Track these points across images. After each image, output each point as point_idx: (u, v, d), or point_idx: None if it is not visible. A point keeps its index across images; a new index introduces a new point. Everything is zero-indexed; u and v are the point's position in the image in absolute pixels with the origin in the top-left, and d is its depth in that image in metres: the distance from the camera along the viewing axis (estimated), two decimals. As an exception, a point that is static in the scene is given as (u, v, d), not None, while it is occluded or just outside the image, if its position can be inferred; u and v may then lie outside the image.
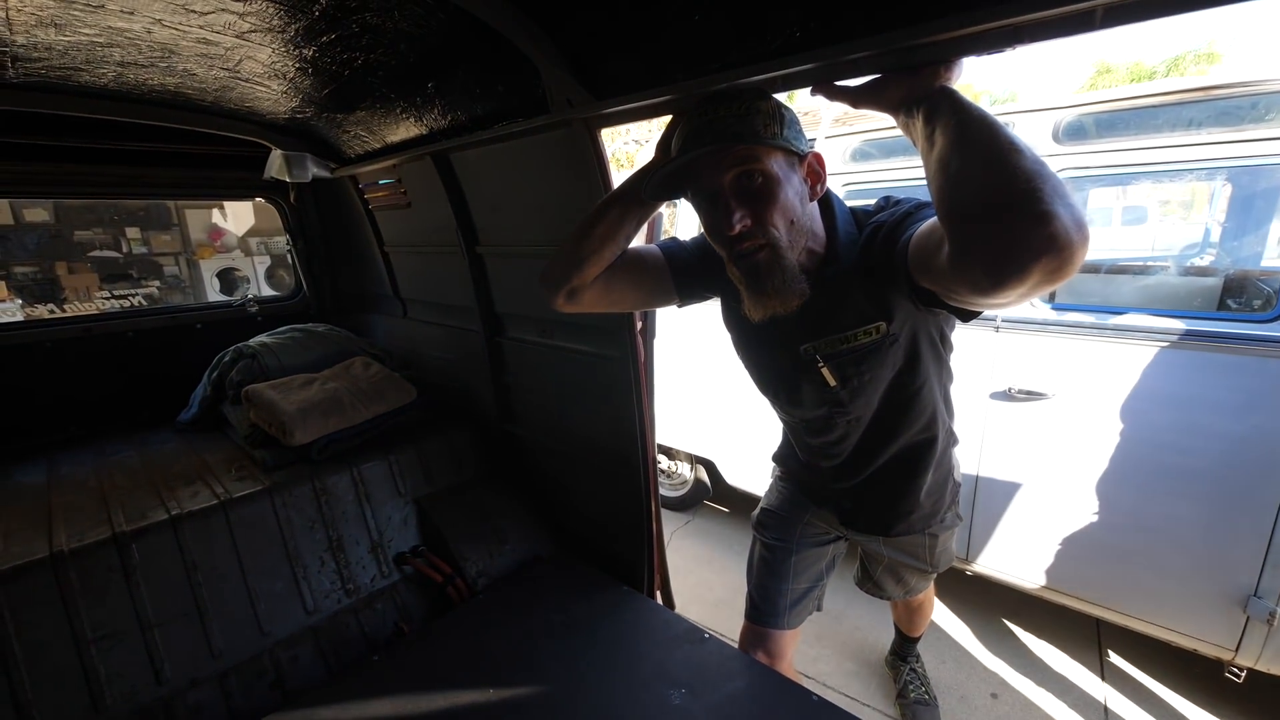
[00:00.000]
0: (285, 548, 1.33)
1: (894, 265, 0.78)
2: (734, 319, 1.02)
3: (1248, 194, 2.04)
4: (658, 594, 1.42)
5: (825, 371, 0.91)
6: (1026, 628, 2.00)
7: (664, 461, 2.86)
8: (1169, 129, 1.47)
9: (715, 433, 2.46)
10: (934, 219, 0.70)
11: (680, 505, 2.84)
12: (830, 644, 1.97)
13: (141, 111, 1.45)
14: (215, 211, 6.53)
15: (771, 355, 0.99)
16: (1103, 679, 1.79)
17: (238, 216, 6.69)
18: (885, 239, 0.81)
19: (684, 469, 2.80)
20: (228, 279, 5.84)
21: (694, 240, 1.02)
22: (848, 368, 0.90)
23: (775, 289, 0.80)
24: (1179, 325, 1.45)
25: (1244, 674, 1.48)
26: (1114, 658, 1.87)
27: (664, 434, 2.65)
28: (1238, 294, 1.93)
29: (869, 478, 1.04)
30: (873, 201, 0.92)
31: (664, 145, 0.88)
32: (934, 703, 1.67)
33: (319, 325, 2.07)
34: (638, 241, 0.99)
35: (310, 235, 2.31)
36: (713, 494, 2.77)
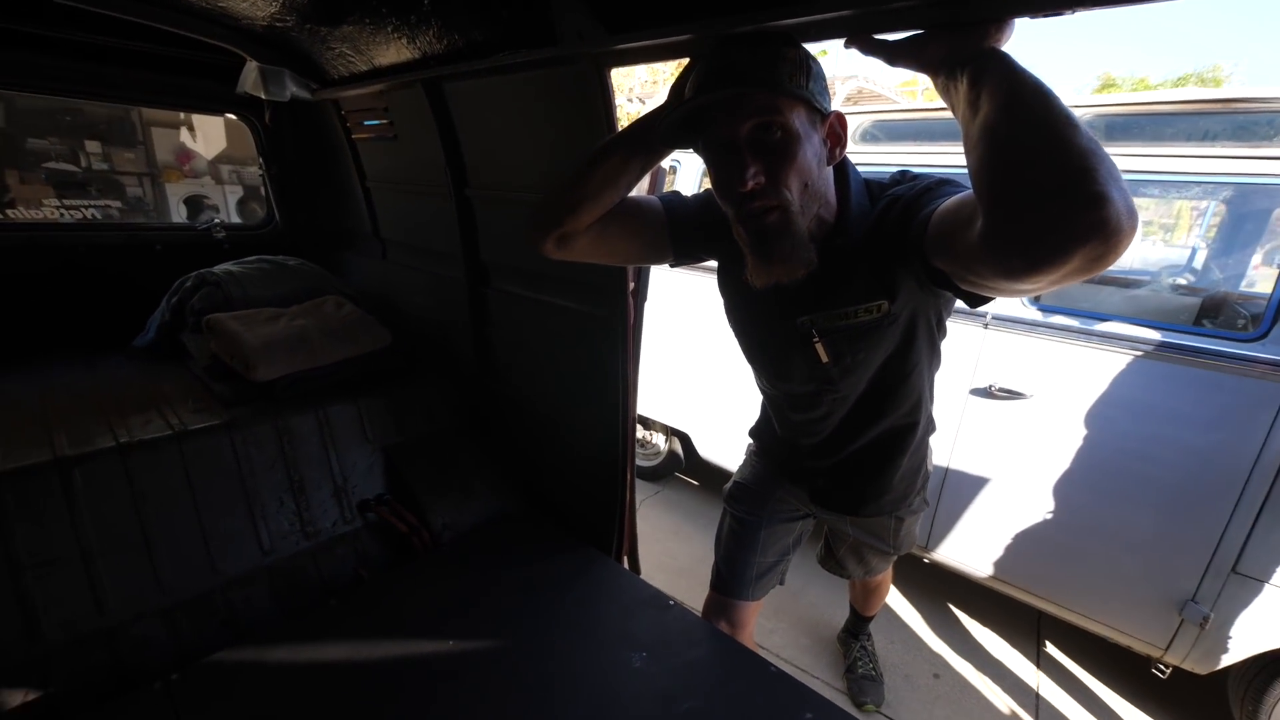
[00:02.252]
0: (243, 485, 1.27)
1: (907, 242, 0.74)
2: (731, 283, 0.97)
3: (1239, 214, 2.07)
4: (625, 559, 1.42)
5: (819, 347, 0.88)
6: (972, 615, 2.09)
7: (639, 431, 2.85)
8: (1182, 139, 1.46)
9: (692, 406, 2.45)
10: (963, 195, 0.67)
11: (652, 475, 2.85)
12: (787, 618, 2.03)
13: (99, -1, 1.30)
14: (184, 132, 6.11)
15: (766, 324, 0.95)
16: (1038, 667, 1.89)
17: (209, 139, 6.27)
18: (902, 213, 0.76)
19: (659, 439, 2.80)
20: (196, 206, 5.49)
21: (697, 197, 0.96)
22: (842, 345, 0.87)
23: (782, 255, 0.76)
24: (1158, 337, 1.47)
25: (1169, 671, 1.57)
26: (1050, 648, 1.97)
27: (641, 404, 2.63)
28: (1214, 314, 1.98)
29: (846, 458, 1.03)
30: (888, 175, 0.88)
31: (678, 89, 0.82)
32: (880, 679, 1.74)
33: (290, 258, 1.96)
34: (638, 191, 0.94)
35: (286, 161, 2.16)
36: (685, 466, 2.79)
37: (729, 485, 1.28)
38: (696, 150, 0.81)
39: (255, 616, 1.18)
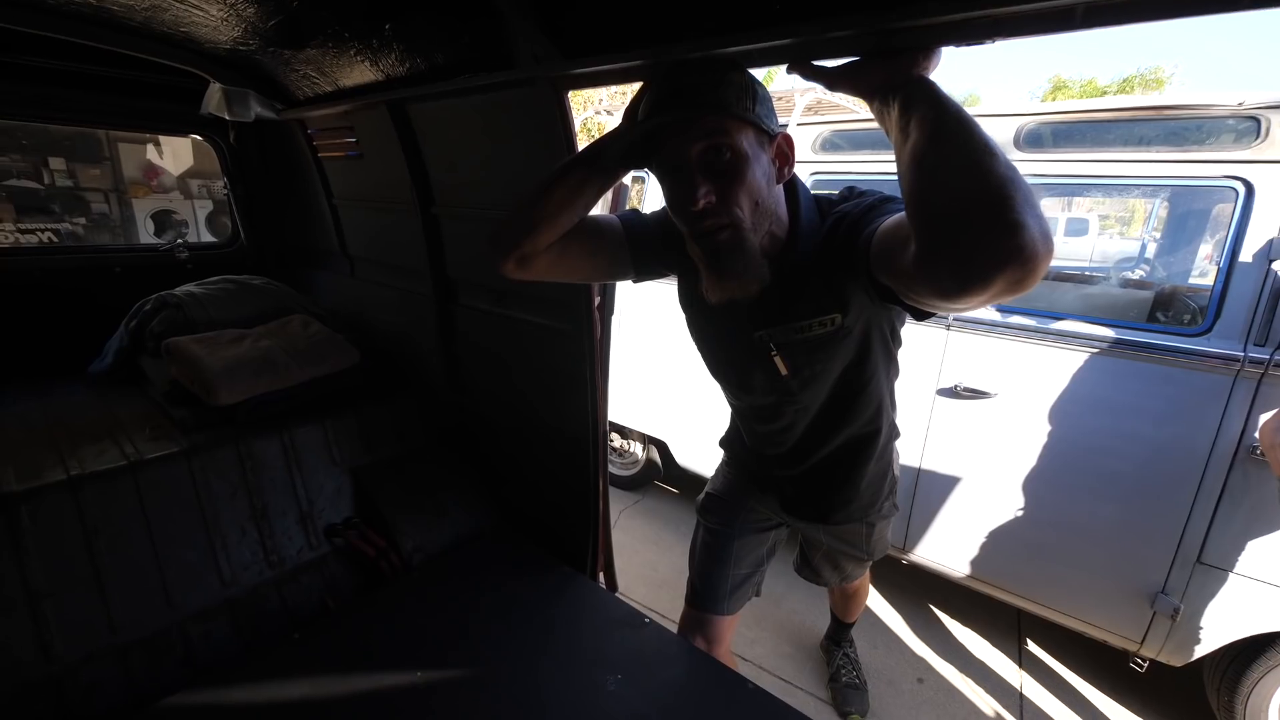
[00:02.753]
0: (202, 514, 1.23)
1: (854, 258, 0.76)
2: (690, 298, 0.98)
3: (1183, 213, 2.15)
4: (600, 576, 1.40)
5: (777, 360, 0.89)
6: (954, 615, 2.10)
7: (616, 440, 2.84)
8: (1120, 144, 1.52)
9: (668, 414, 2.45)
10: (900, 215, 0.68)
11: (631, 484, 2.83)
12: (768, 627, 2.02)
13: (58, 25, 1.27)
14: (151, 148, 6.00)
15: (725, 338, 0.96)
16: (1020, 666, 1.90)
17: (177, 156, 6.16)
18: (848, 231, 0.78)
19: (636, 448, 2.79)
20: (164, 222, 5.37)
21: (655, 214, 0.97)
22: (800, 357, 0.88)
23: (736, 271, 0.77)
24: (1112, 334, 1.51)
25: (1146, 664, 1.59)
26: (1031, 646, 1.99)
27: (618, 413, 2.62)
28: (1166, 308, 2.04)
29: (812, 466, 1.04)
30: (837, 191, 0.90)
31: (632, 113, 0.83)
32: (864, 686, 1.74)
33: (255, 278, 1.92)
34: (600, 208, 0.94)
35: (251, 180, 2.13)
36: (663, 474, 2.78)
37: (701, 497, 1.27)
38: (651, 170, 0.82)
39: (215, 653, 1.13)
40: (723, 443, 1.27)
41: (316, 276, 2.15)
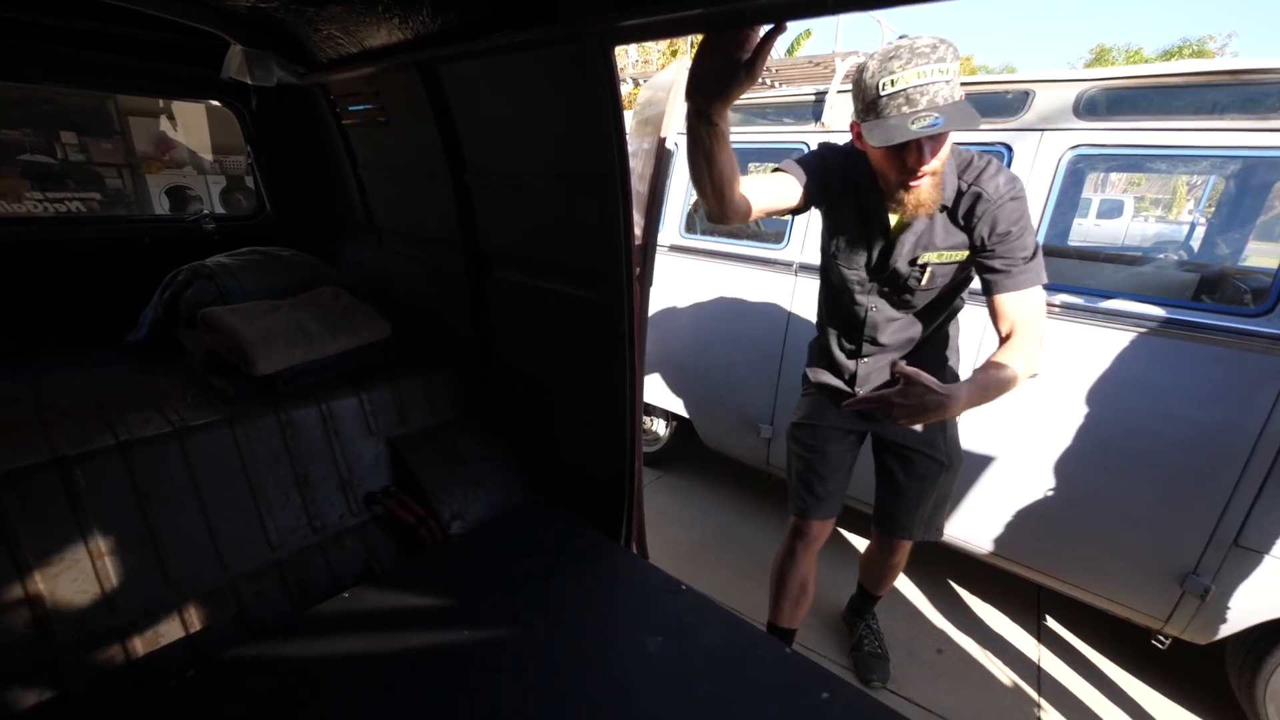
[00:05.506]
0: (248, 481, 1.26)
1: (974, 238, 1.15)
2: (859, 212, 1.24)
3: (1243, 188, 2.06)
4: (634, 545, 1.42)
5: (917, 267, 1.21)
6: (973, 591, 2.12)
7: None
8: (1190, 112, 1.44)
9: (692, 392, 2.45)
10: (1018, 299, 1.12)
11: (654, 461, 2.86)
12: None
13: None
14: (164, 120, 5.95)
15: (881, 245, 1.24)
16: (1039, 640, 1.92)
17: (190, 128, 6.10)
18: (986, 221, 1.12)
19: (659, 425, 2.80)
20: (178, 197, 5.35)
21: (827, 155, 1.24)
22: (935, 270, 1.21)
23: (928, 204, 1.09)
24: (1162, 313, 1.47)
25: (1169, 642, 1.60)
26: (1050, 622, 2.00)
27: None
28: (1213, 289, 1.98)
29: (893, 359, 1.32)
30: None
31: (697, 80, 0.84)
32: (885, 656, 1.77)
33: (283, 249, 1.92)
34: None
35: (274, 149, 2.11)
36: (686, 452, 2.80)
37: (790, 426, 1.51)
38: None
39: (268, 611, 1.17)
40: (807, 370, 1.50)
41: (343, 248, 2.14)
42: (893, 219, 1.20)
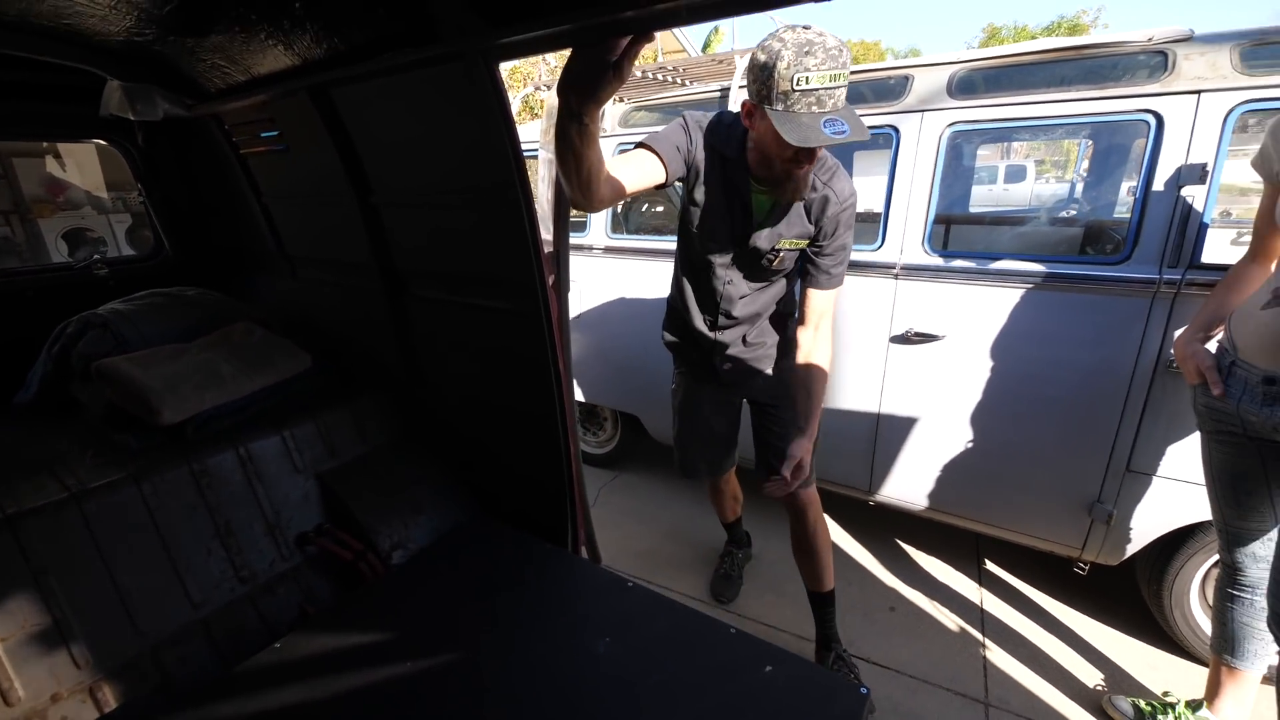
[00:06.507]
0: (161, 539, 1.18)
1: (819, 233, 1.30)
2: (723, 186, 1.29)
3: (1105, 149, 2.28)
4: (582, 550, 1.43)
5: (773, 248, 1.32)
6: (919, 547, 2.24)
7: (588, 419, 2.85)
8: (1044, 86, 1.58)
9: (636, 388, 2.47)
10: (822, 295, 1.34)
11: (606, 462, 2.87)
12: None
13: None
14: (50, 161, 5.48)
15: (743, 223, 1.32)
16: (980, 584, 2.05)
17: (82, 168, 5.64)
18: (830, 221, 1.28)
19: (608, 425, 2.81)
20: (77, 240, 4.93)
21: (682, 125, 1.27)
22: (785, 255, 1.34)
23: (804, 192, 1.22)
24: (1043, 269, 1.60)
25: (1088, 567, 1.75)
26: (990, 565, 2.14)
27: (588, 391, 2.63)
28: (1095, 241, 2.18)
29: (742, 341, 1.47)
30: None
31: (569, 81, 0.84)
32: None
33: (188, 289, 1.82)
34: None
35: (168, 185, 1.99)
36: (637, 449, 2.82)
37: (674, 405, 1.70)
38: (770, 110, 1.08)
39: (194, 674, 1.11)
40: (669, 343, 1.62)
41: (255, 281, 2.04)
42: (758, 198, 1.28)
